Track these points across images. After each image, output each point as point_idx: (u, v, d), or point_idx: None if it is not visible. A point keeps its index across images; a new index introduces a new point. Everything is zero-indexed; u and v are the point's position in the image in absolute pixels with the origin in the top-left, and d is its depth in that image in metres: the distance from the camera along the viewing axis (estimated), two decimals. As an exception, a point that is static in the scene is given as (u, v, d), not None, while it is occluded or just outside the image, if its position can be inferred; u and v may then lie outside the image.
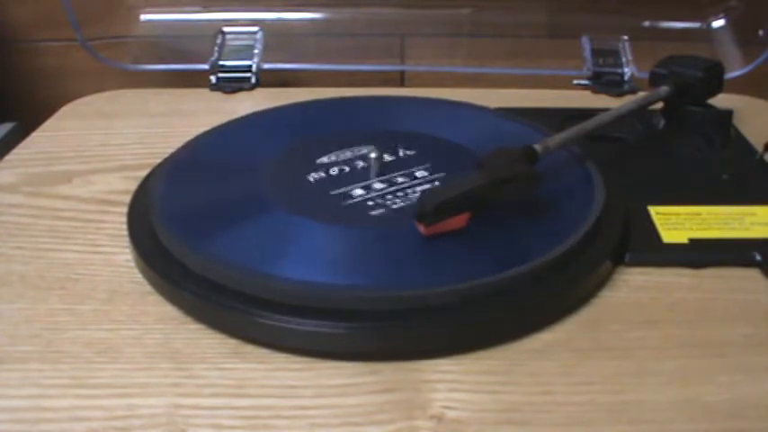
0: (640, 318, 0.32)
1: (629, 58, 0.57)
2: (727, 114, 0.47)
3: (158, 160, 0.42)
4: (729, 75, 0.52)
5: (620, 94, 0.55)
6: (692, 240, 0.36)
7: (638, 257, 0.35)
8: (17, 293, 0.34)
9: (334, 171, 0.39)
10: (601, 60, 0.57)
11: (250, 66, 0.58)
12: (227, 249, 0.33)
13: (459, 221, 0.34)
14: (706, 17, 0.60)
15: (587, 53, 0.58)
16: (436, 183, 0.38)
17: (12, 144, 0.48)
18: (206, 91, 0.57)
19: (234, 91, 0.56)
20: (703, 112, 0.47)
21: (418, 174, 0.38)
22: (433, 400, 0.28)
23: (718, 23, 0.60)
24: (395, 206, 0.36)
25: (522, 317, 0.31)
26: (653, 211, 0.38)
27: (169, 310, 0.32)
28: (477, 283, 0.31)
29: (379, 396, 0.28)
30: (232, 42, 0.59)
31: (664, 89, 0.46)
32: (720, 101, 0.47)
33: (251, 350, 0.30)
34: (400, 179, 0.38)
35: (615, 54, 0.58)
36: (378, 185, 0.38)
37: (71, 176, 0.44)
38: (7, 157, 0.47)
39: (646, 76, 0.48)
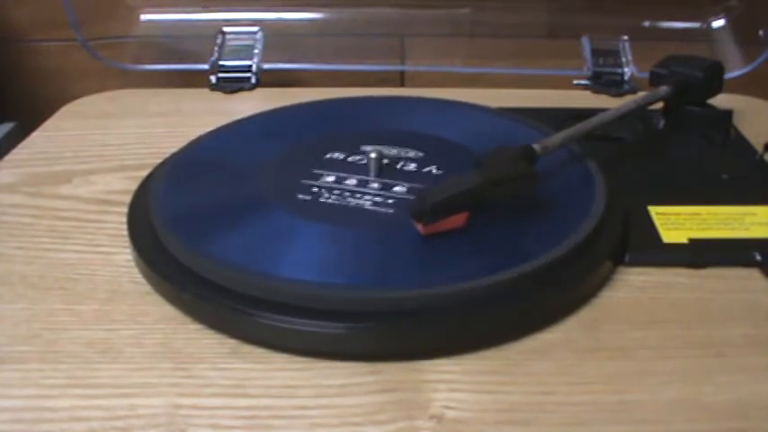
0: (640, 318, 0.32)
1: (629, 58, 0.57)
2: (727, 114, 0.47)
3: (158, 160, 0.42)
4: (729, 75, 0.52)
5: (620, 94, 0.55)
6: (691, 240, 0.36)
7: (638, 257, 0.35)
8: (17, 293, 0.34)
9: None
10: (601, 60, 0.57)
11: (250, 66, 0.58)
12: (227, 249, 0.33)
13: (457, 221, 0.34)
14: (706, 17, 0.60)
15: (587, 53, 0.58)
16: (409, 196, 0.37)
17: (12, 144, 0.49)
18: (206, 91, 0.57)
19: (234, 91, 0.56)
20: (703, 112, 0.47)
21: (396, 188, 0.38)
22: (433, 400, 0.28)
23: (718, 23, 0.60)
24: (321, 199, 0.36)
25: (522, 317, 0.31)
26: (653, 211, 0.38)
27: (169, 310, 0.32)
28: (477, 283, 0.31)
29: (379, 396, 0.28)
30: (232, 42, 0.59)
31: (664, 89, 0.46)
32: (720, 101, 0.47)
33: (251, 350, 0.30)
34: (375, 184, 0.38)
35: (615, 54, 0.58)
36: (350, 181, 0.38)
37: (71, 176, 0.44)
38: (7, 157, 0.47)
39: (646, 76, 0.48)
